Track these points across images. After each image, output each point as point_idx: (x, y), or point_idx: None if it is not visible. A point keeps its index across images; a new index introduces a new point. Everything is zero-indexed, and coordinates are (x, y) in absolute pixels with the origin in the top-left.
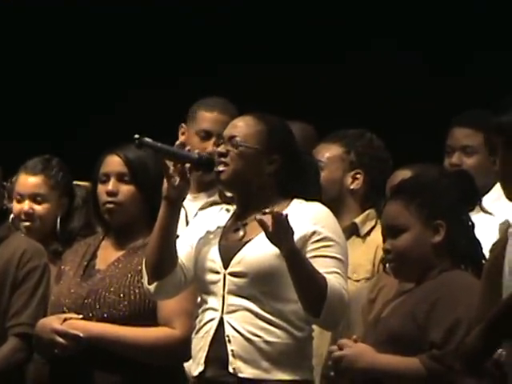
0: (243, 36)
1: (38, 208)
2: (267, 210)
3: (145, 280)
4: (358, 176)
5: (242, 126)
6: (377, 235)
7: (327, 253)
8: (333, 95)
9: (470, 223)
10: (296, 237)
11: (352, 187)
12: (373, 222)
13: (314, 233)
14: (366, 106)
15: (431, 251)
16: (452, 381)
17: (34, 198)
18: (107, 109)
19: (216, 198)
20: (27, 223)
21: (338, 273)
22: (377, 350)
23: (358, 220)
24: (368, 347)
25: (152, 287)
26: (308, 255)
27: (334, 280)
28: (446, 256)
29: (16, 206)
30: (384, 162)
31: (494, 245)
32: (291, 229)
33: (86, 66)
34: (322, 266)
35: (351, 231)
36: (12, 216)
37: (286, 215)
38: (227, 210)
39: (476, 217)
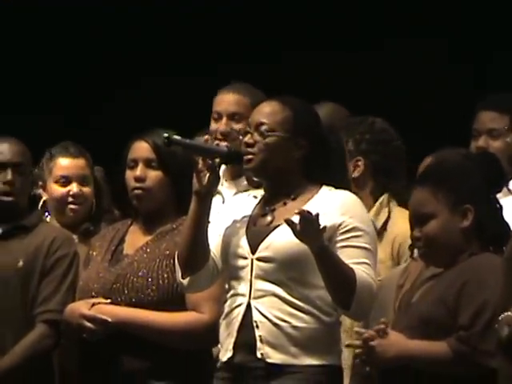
0: (264, 25)
1: (86, 190)
2: (297, 211)
3: (178, 274)
4: (359, 163)
5: (268, 113)
6: (392, 227)
7: (356, 243)
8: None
9: (497, 205)
10: (326, 225)
11: (354, 175)
12: (386, 212)
13: (342, 223)
14: (393, 94)
15: (460, 236)
16: (478, 362)
17: (82, 180)
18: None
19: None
20: (76, 206)
21: (366, 263)
22: (408, 336)
23: (371, 214)
24: (397, 335)
25: (185, 281)
26: (337, 245)
27: (362, 272)
28: (474, 240)
29: (59, 190)
30: (386, 144)
31: None
32: (320, 227)
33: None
34: (351, 257)
35: None
36: (43, 200)
37: (317, 214)
38: (255, 197)
39: (504, 200)
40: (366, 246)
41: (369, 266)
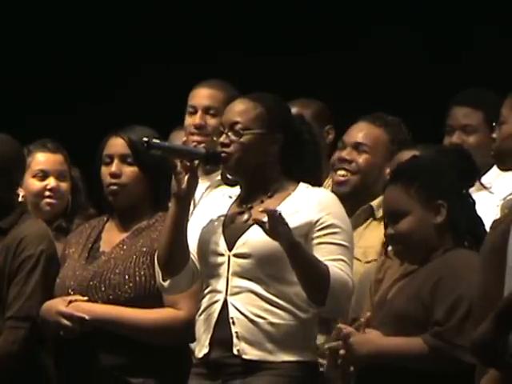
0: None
1: (63, 185)
2: (261, 209)
3: (158, 276)
4: None
5: (241, 112)
6: None
7: (333, 240)
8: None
9: (470, 201)
10: (302, 223)
11: None
12: None
13: (319, 219)
14: (373, 90)
15: (434, 232)
16: (454, 356)
17: (60, 175)
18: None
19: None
20: (52, 200)
21: (343, 260)
22: (383, 332)
23: (374, 203)
24: (373, 333)
25: (166, 284)
26: (314, 242)
27: (336, 268)
28: (448, 235)
29: (36, 184)
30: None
31: (495, 221)
32: (286, 223)
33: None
34: (327, 253)
35: (368, 214)
36: (22, 195)
37: (280, 212)
38: (230, 197)
39: (476, 195)
40: (343, 242)
41: (345, 262)
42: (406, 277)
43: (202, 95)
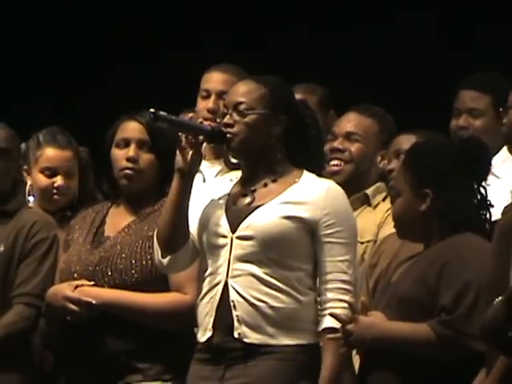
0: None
1: (71, 182)
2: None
3: (157, 253)
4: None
5: (244, 92)
6: (387, 203)
7: (338, 239)
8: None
9: (467, 194)
10: (307, 217)
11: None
12: (383, 194)
13: (325, 217)
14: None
15: (420, 219)
16: (463, 345)
17: (68, 172)
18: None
19: None
20: (59, 197)
21: (348, 260)
22: (387, 315)
23: (369, 191)
24: (377, 317)
25: (165, 261)
26: (321, 240)
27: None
28: (435, 224)
29: (44, 180)
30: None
31: (506, 207)
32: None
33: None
34: (335, 254)
35: (362, 201)
36: (29, 187)
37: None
38: (230, 180)
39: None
40: (348, 241)
41: (350, 262)
42: (410, 260)
43: (216, 79)
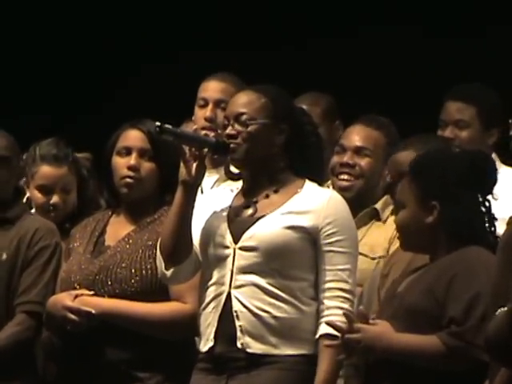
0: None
1: (68, 197)
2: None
3: (161, 265)
4: None
5: (245, 103)
6: None
7: (340, 249)
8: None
9: (474, 207)
10: (309, 225)
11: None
12: (391, 207)
13: (326, 226)
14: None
15: (426, 231)
16: (473, 356)
17: (64, 188)
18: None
19: None
20: (56, 213)
21: (349, 269)
22: (393, 326)
23: (378, 206)
24: (385, 328)
25: (169, 273)
26: (322, 249)
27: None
28: (442, 236)
29: (40, 197)
30: None
31: (511, 217)
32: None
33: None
34: (335, 263)
35: (372, 216)
36: (27, 197)
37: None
38: (231, 190)
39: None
40: (349, 250)
41: (350, 271)
42: (416, 271)
43: (213, 88)
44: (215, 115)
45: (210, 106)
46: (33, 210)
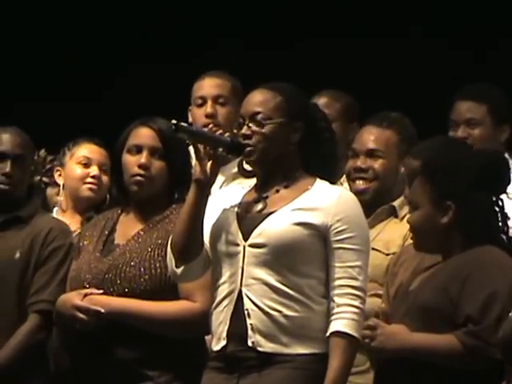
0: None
1: (105, 177)
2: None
3: (171, 263)
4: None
5: (260, 102)
6: None
7: (350, 245)
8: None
9: (488, 208)
10: (319, 223)
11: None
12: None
13: (336, 223)
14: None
15: (441, 231)
16: (490, 355)
17: (103, 166)
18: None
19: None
20: (93, 186)
21: (359, 266)
22: (407, 323)
23: (396, 203)
24: (400, 326)
25: (179, 270)
26: (332, 246)
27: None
28: (457, 237)
29: (79, 169)
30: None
31: None
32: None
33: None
34: (345, 260)
35: (389, 213)
36: (62, 183)
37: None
38: (242, 188)
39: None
40: (360, 247)
41: (361, 268)
42: (428, 270)
43: (209, 85)
44: (216, 111)
45: (209, 102)
46: (55, 209)
